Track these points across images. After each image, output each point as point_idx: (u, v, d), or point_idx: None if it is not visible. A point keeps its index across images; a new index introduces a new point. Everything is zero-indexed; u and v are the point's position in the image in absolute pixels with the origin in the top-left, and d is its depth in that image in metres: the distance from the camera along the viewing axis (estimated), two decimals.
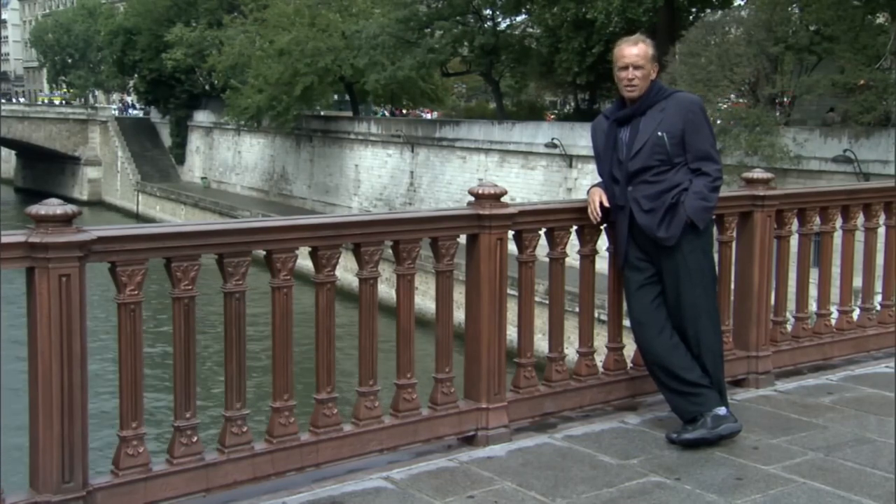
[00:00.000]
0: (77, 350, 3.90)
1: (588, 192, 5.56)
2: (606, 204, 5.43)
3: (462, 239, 5.16)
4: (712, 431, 5.14)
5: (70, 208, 3.88)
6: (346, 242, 4.77)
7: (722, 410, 5.22)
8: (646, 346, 5.40)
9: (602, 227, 5.64)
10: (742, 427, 5.24)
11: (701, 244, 5.37)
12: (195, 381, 4.35)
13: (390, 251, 5.02)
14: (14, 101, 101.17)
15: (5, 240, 3.81)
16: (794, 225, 6.58)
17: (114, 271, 4.09)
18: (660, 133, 5.26)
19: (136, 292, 4.11)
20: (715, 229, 5.80)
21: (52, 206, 3.85)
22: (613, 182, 5.38)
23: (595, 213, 5.46)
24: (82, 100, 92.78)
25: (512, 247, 5.32)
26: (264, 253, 4.55)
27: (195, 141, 66.71)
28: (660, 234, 5.26)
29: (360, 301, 4.86)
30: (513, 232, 5.29)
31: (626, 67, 5.32)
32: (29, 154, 77.54)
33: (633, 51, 5.33)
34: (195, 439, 4.34)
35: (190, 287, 4.26)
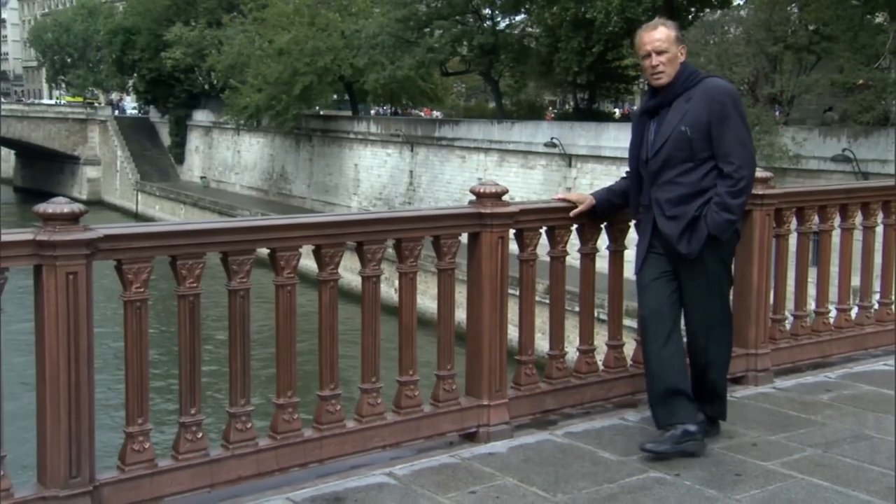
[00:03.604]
0: (84, 347, 3.95)
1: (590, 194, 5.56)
2: (583, 209, 5.43)
3: (464, 237, 5.21)
4: (676, 446, 4.94)
5: (77, 207, 3.93)
6: (349, 241, 4.81)
7: (692, 427, 5.01)
8: (648, 354, 5.19)
9: (602, 226, 5.68)
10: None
11: (721, 255, 5.18)
12: (200, 378, 4.40)
13: (389, 250, 5.05)
14: (20, 100, 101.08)
15: (13, 238, 3.86)
16: (793, 224, 6.62)
17: (120, 269, 4.14)
18: (683, 128, 4.97)
19: (141, 290, 4.16)
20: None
21: (60, 205, 3.90)
22: (639, 181, 5.20)
23: (574, 208, 5.44)
24: (96, 100, 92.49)
25: (512, 246, 5.35)
26: (268, 251, 4.60)
27: (194, 140, 66.75)
28: (680, 247, 5.04)
29: (362, 299, 4.91)
30: (514, 230, 5.33)
31: (648, 55, 5.06)
32: (28, 153, 77.58)
33: (654, 35, 5.05)
34: (200, 435, 4.39)
35: (195, 285, 4.31)
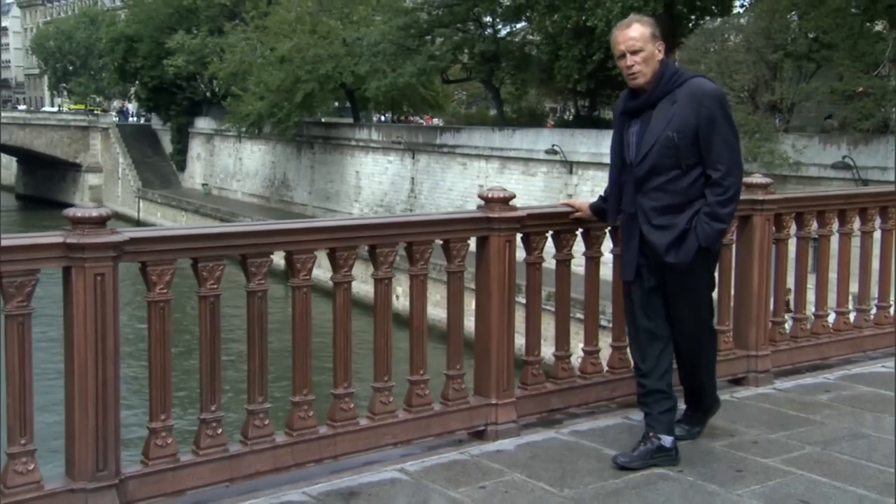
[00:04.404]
0: (111, 346, 4.11)
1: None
2: (579, 216, 5.56)
3: (472, 241, 5.36)
4: (648, 462, 4.94)
5: (105, 211, 4.09)
6: (362, 244, 4.98)
7: (668, 441, 5.01)
8: (641, 368, 5.15)
9: (607, 231, 5.81)
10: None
11: (709, 264, 5.11)
12: (220, 376, 4.55)
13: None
14: (15, 107, 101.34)
15: (44, 240, 4.03)
16: (793, 228, 6.77)
17: (144, 271, 4.30)
18: (670, 133, 4.77)
19: (165, 291, 4.32)
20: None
21: (88, 209, 4.06)
22: (622, 186, 5.04)
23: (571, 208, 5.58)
24: (98, 107, 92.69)
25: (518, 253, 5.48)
26: (284, 254, 4.76)
27: (196, 148, 66.92)
28: (668, 259, 4.89)
29: (374, 300, 5.06)
30: (520, 234, 5.47)
31: (622, 55, 4.83)
32: (30, 161, 77.77)
33: (628, 33, 4.82)
34: (220, 431, 4.54)
35: (215, 286, 4.47)
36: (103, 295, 4.06)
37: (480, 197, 5.36)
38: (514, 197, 5.38)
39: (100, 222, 4.06)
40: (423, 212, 41.04)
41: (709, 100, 4.79)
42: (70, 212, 4.07)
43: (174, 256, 4.36)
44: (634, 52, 4.80)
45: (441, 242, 5.29)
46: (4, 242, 3.91)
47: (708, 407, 5.48)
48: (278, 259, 4.71)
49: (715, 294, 5.35)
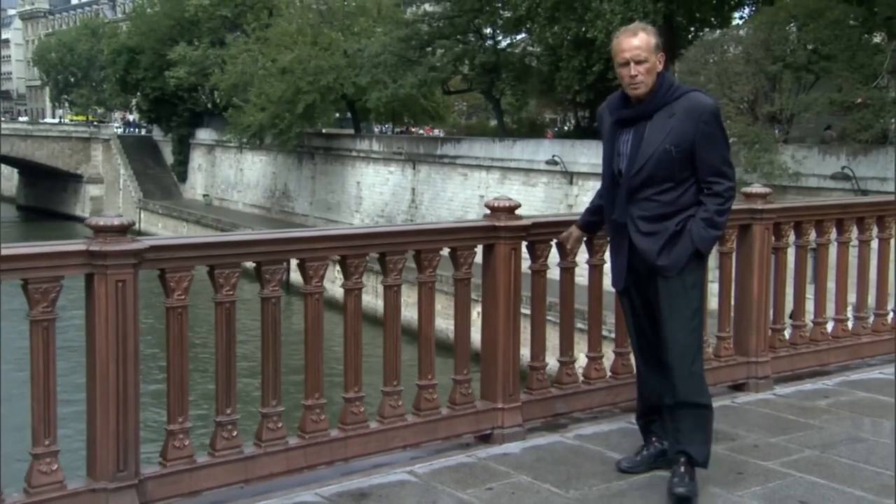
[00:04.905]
0: (131, 350, 4.24)
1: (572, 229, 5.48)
2: (572, 245, 5.51)
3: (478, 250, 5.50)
4: (650, 466, 5.04)
5: (126, 220, 4.23)
6: (372, 251, 5.11)
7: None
8: (641, 377, 5.19)
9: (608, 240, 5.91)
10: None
11: (701, 272, 4.97)
12: (236, 380, 4.68)
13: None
14: (13, 119, 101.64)
15: (68, 248, 4.17)
16: (791, 237, 6.89)
17: (163, 277, 4.44)
18: (668, 146, 4.71)
19: (183, 297, 4.46)
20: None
21: (110, 218, 4.20)
22: (613, 195, 4.93)
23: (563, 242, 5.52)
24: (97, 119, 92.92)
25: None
26: (297, 262, 4.90)
27: (197, 158, 67.12)
28: (659, 262, 4.79)
29: (384, 306, 5.20)
30: (526, 243, 5.60)
31: (626, 63, 4.73)
32: (31, 172, 77.97)
33: (634, 42, 4.73)
34: (235, 434, 4.67)
35: (231, 293, 4.60)
36: (124, 301, 4.20)
37: (486, 206, 5.50)
38: (519, 206, 5.50)
39: (121, 231, 4.20)
40: (425, 222, 41.15)
41: (707, 115, 4.76)
42: (92, 220, 4.21)
43: (192, 263, 4.50)
44: (639, 63, 4.72)
45: (448, 251, 5.43)
46: (30, 250, 4.06)
47: (696, 453, 4.85)
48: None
49: (714, 303, 5.33)
